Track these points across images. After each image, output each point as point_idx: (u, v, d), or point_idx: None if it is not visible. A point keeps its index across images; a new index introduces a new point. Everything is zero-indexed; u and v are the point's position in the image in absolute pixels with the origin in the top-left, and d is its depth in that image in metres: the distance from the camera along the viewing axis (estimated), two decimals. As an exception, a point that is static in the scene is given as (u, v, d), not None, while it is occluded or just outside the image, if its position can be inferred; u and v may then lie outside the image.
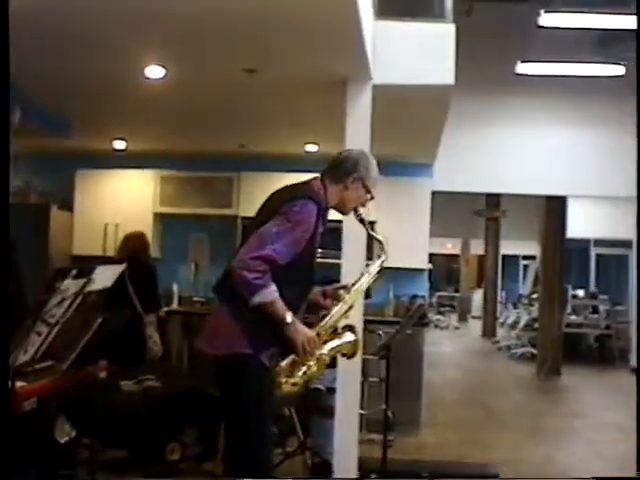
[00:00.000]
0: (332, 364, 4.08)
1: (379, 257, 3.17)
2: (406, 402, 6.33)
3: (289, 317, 2.79)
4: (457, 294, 23.61)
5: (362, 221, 3.14)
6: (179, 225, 7.84)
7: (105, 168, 7.68)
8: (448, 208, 12.64)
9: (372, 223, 7.00)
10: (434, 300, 21.58)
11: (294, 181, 3.09)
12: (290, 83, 4.83)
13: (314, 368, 2.91)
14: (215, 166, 7.61)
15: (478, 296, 21.13)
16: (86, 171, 7.70)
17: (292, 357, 2.87)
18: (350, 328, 3.06)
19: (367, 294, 5.09)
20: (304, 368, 2.89)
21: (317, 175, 3.10)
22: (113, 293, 3.51)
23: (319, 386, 4.95)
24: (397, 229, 7.16)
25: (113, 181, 7.71)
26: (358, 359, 4.48)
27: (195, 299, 7.59)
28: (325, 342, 2.96)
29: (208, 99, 5.42)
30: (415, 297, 7.43)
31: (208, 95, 5.30)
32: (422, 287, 7.75)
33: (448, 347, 15.14)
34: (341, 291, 3.09)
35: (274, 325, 2.80)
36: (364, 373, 4.92)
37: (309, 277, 3.00)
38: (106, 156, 7.59)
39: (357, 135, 4.46)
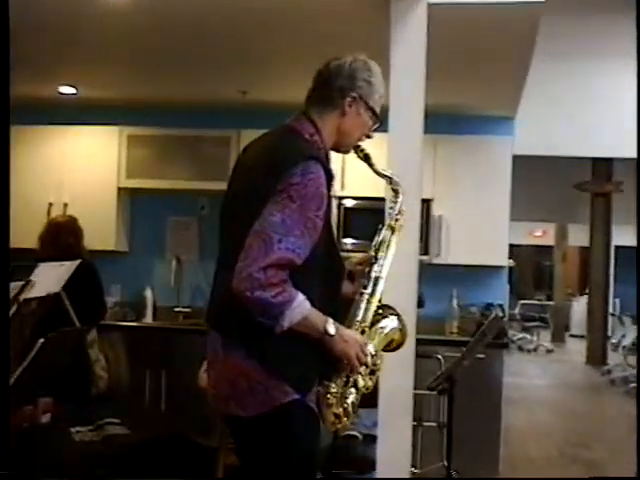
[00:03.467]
0: (373, 402, 4.08)
1: (396, 198, 3.11)
2: (476, 457, 6.33)
3: (331, 327, 2.73)
4: (550, 303, 23.56)
5: (367, 158, 3.05)
6: (154, 205, 7.91)
7: (49, 124, 7.74)
8: (537, 180, 12.55)
9: (427, 201, 7.01)
10: (517, 311, 21.52)
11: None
12: (307, 0, 4.82)
13: (367, 379, 2.92)
14: (205, 121, 7.64)
15: (580, 306, 21.04)
16: (22, 128, 7.71)
17: (344, 376, 2.86)
18: (386, 309, 3.04)
19: (420, 302, 5.08)
20: (353, 382, 2.89)
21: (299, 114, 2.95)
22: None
23: (353, 432, 4.97)
24: (463, 210, 7.15)
25: (60, 142, 7.75)
26: (409, 395, 4.49)
27: (177, 309, 7.63)
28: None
29: (193, 27, 5.42)
30: (489, 307, 7.41)
31: (192, 21, 5.30)
32: (499, 293, 7.74)
33: (538, 379, 15.11)
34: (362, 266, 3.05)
35: (313, 345, 2.75)
36: (417, 415, 4.92)
37: (336, 262, 2.96)
38: (50, 107, 7.67)
39: (405, 76, 4.44)
